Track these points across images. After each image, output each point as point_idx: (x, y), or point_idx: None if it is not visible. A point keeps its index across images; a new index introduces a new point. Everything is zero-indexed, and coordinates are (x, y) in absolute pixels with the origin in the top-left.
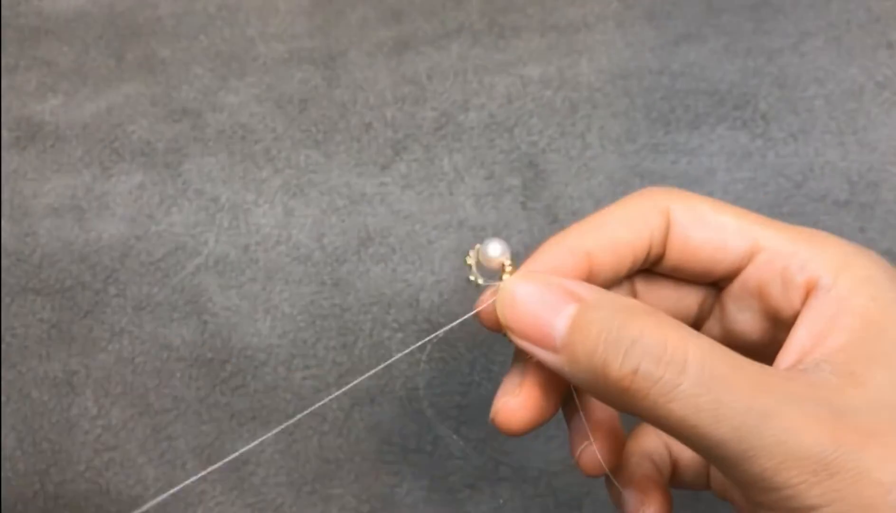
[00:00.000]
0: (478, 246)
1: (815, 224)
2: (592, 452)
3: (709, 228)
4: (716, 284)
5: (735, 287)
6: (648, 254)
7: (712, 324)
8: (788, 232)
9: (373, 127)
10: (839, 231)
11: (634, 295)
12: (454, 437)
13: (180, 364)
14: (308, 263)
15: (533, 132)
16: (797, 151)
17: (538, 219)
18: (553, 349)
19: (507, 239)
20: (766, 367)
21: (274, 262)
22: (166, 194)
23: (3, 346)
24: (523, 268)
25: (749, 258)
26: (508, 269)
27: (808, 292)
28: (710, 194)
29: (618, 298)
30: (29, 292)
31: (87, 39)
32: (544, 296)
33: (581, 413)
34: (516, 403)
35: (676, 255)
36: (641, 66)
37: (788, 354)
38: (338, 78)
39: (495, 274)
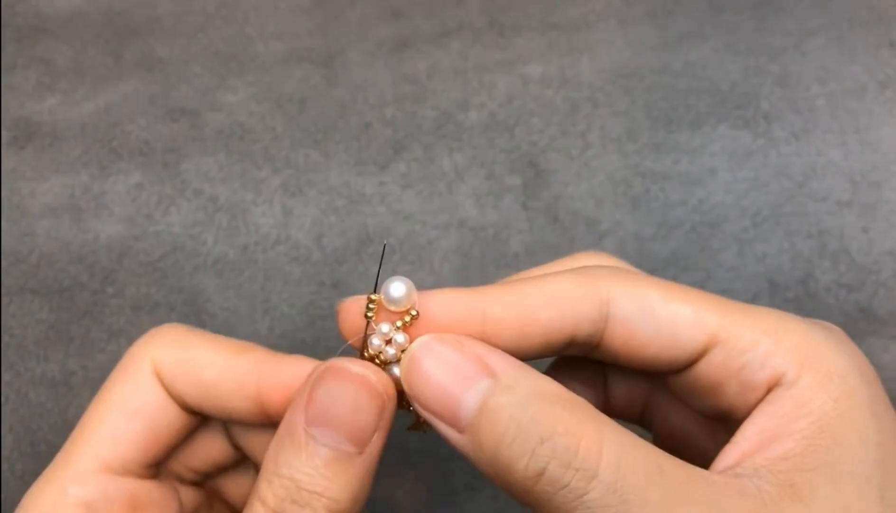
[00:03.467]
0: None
1: (816, 224)
2: None
3: (658, 321)
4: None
5: (683, 380)
6: (572, 341)
7: (659, 402)
8: (750, 319)
9: (372, 126)
10: (841, 231)
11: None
12: None
13: None
14: (307, 263)
15: (533, 131)
16: (799, 151)
17: (538, 219)
18: (458, 428)
19: (507, 239)
20: (693, 471)
21: (273, 262)
22: (164, 194)
23: (1, 346)
24: (425, 317)
25: (703, 352)
26: (413, 313)
27: (769, 390)
28: (711, 194)
29: (535, 380)
30: (27, 293)
31: (85, 38)
32: (455, 365)
33: None
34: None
35: (617, 349)
36: (643, 65)
37: (730, 453)
38: (337, 77)
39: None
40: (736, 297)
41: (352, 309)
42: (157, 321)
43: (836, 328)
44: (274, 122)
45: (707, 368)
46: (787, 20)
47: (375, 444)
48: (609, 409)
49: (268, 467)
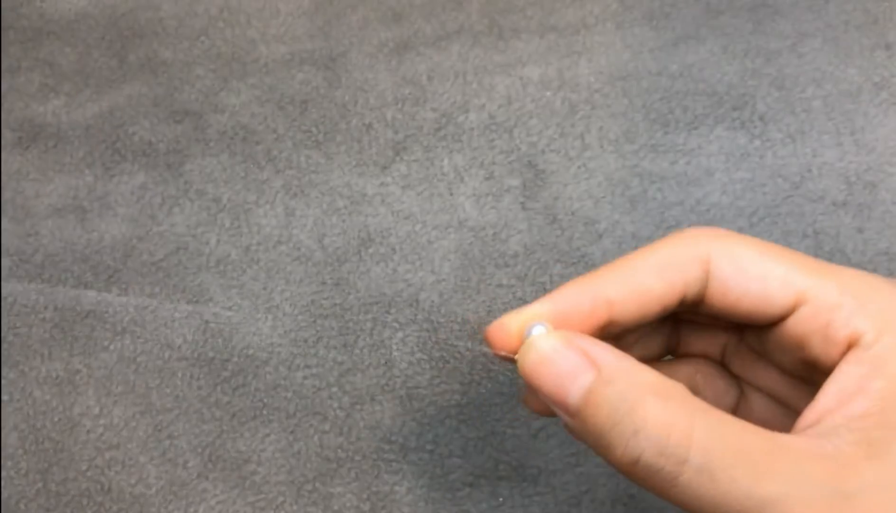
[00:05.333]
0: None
1: (812, 225)
2: None
3: (750, 279)
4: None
5: (775, 334)
6: (683, 302)
7: (746, 350)
8: (837, 280)
9: (373, 128)
10: (837, 232)
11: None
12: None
13: (182, 364)
14: (309, 263)
15: (532, 133)
16: (795, 152)
17: (538, 219)
18: (567, 413)
19: (506, 240)
20: (776, 443)
21: (275, 262)
22: (168, 195)
23: (5, 345)
24: (547, 309)
25: (792, 309)
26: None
27: (849, 348)
28: (708, 195)
29: (633, 371)
30: (31, 293)
31: (88, 40)
32: (564, 361)
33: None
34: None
35: (715, 305)
36: (640, 67)
37: (812, 412)
38: (338, 79)
39: None
40: None
41: (500, 334)
42: (160, 320)
43: None
44: (276, 123)
45: (794, 324)
46: (783, 23)
47: None
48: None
49: None
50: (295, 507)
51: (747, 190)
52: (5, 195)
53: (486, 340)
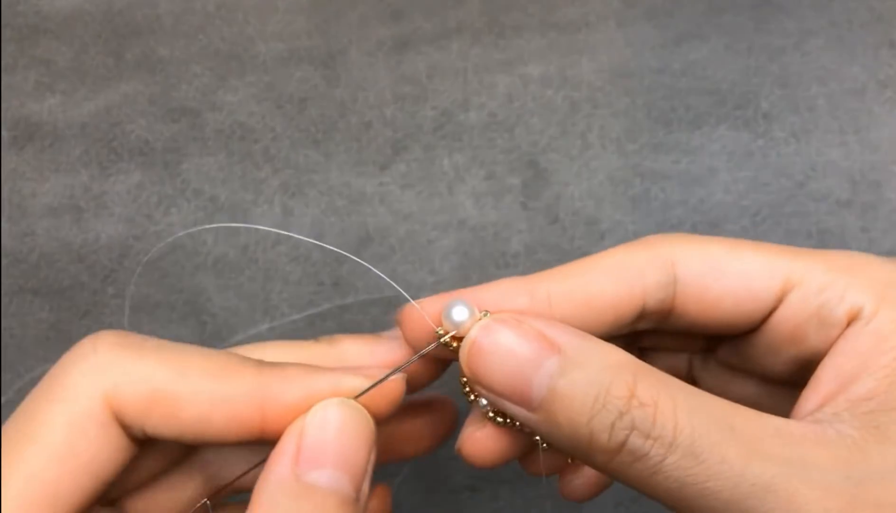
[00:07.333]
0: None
1: (817, 224)
2: (579, 483)
3: (728, 275)
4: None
5: (759, 336)
6: (643, 312)
7: (720, 366)
8: (823, 259)
9: (372, 126)
10: (841, 231)
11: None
12: None
13: None
14: (307, 263)
15: (533, 132)
16: (799, 151)
17: (538, 219)
18: (529, 408)
19: (507, 239)
20: (768, 424)
21: (273, 262)
22: (165, 194)
23: (1, 346)
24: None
25: (780, 299)
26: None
27: (849, 325)
28: (711, 194)
29: (602, 350)
30: (27, 293)
31: (85, 38)
32: (520, 346)
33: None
34: (483, 434)
35: (692, 311)
36: (642, 65)
37: (811, 397)
38: (337, 77)
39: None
40: None
41: (413, 321)
42: (158, 321)
43: None
44: (274, 122)
45: (785, 315)
46: (786, 20)
47: (366, 490)
48: None
49: None
50: None
51: (750, 189)
52: (1, 195)
53: (398, 325)
